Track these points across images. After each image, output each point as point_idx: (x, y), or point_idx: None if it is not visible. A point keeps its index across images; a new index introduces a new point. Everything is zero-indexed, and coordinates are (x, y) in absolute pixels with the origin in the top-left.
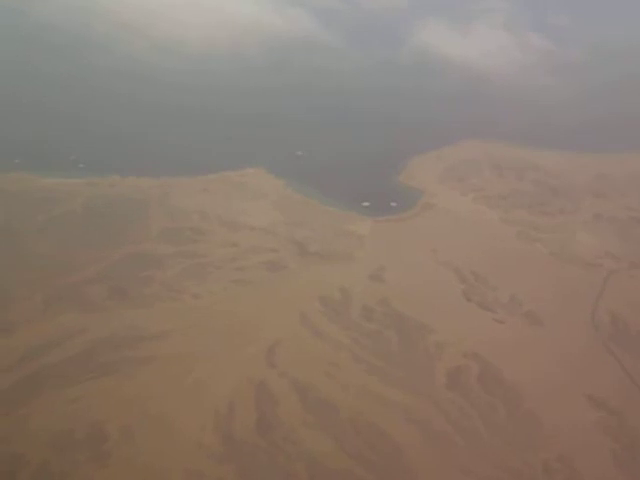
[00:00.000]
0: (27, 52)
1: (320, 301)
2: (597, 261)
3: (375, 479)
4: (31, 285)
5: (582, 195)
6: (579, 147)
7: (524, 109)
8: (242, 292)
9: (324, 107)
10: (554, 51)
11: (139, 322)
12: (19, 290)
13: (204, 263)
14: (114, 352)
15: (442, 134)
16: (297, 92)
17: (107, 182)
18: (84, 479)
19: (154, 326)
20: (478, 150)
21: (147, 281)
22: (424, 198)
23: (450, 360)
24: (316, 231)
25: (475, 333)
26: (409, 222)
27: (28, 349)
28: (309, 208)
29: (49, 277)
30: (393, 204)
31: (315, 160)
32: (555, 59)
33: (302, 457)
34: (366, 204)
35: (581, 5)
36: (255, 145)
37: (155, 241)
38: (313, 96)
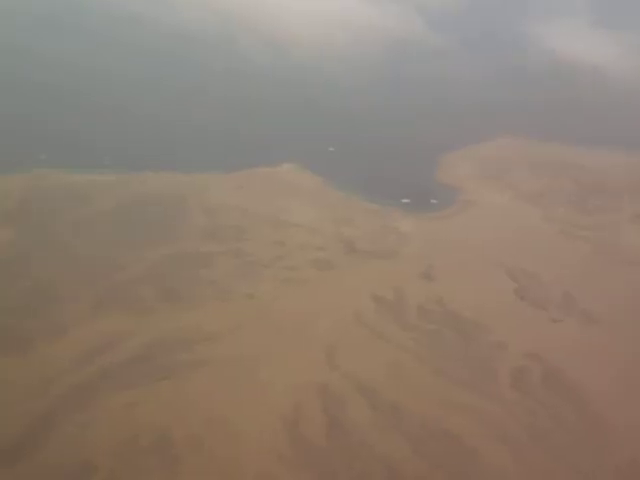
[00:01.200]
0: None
1: (374, 300)
2: None
3: None
4: (76, 285)
5: (625, 193)
6: (629, 146)
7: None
8: (294, 291)
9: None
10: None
11: (192, 323)
12: (64, 291)
13: (252, 262)
14: (169, 355)
15: (478, 130)
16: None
17: (139, 179)
18: None
19: (208, 327)
20: (513, 147)
21: (196, 281)
22: (463, 195)
23: (511, 360)
24: (361, 228)
25: (533, 332)
26: (452, 220)
27: (82, 352)
28: (350, 205)
29: (94, 277)
30: (433, 201)
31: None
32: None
33: (379, 462)
34: (406, 201)
35: None
36: (291, 140)
37: (198, 239)
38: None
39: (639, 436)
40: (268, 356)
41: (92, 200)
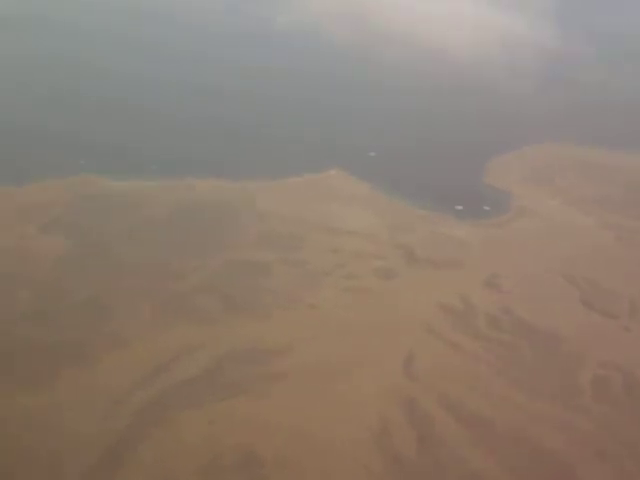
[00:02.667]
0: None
1: (442, 310)
2: None
3: None
4: (134, 295)
5: None
6: None
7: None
8: (359, 301)
9: None
10: None
11: (259, 335)
12: (122, 301)
13: (311, 270)
14: (241, 368)
15: (522, 133)
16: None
17: (185, 185)
18: None
19: (276, 339)
20: (560, 151)
21: (258, 290)
22: (515, 201)
23: (589, 370)
24: (416, 236)
25: (605, 341)
26: (508, 227)
27: (148, 367)
28: (401, 211)
29: (151, 287)
30: (486, 208)
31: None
32: None
33: (473, 478)
34: (459, 207)
35: None
36: (331, 145)
37: (254, 247)
38: None
39: None
40: (343, 368)
41: (140, 207)
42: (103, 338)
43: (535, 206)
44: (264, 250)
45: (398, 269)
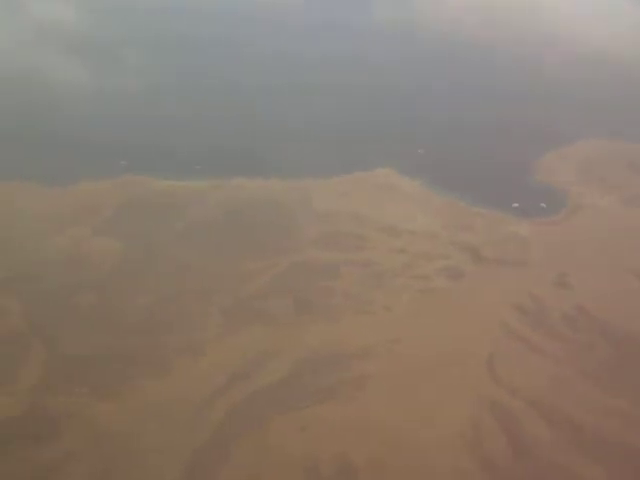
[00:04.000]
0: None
1: (516, 310)
2: None
3: None
4: (201, 299)
5: None
6: None
7: None
8: (432, 302)
9: None
10: None
11: (336, 338)
12: (189, 305)
13: (379, 271)
14: (324, 373)
15: (571, 130)
16: None
17: (233, 185)
18: None
19: (354, 342)
20: (608, 147)
21: (328, 292)
22: (570, 198)
23: None
24: (478, 235)
25: None
26: (567, 224)
27: (226, 374)
28: (458, 210)
29: (218, 290)
30: (542, 205)
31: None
32: None
33: None
34: (516, 205)
35: None
36: (379, 142)
37: (316, 248)
38: None
39: None
40: (426, 371)
41: (191, 207)
42: (175, 344)
43: (591, 203)
44: (328, 250)
45: (465, 269)
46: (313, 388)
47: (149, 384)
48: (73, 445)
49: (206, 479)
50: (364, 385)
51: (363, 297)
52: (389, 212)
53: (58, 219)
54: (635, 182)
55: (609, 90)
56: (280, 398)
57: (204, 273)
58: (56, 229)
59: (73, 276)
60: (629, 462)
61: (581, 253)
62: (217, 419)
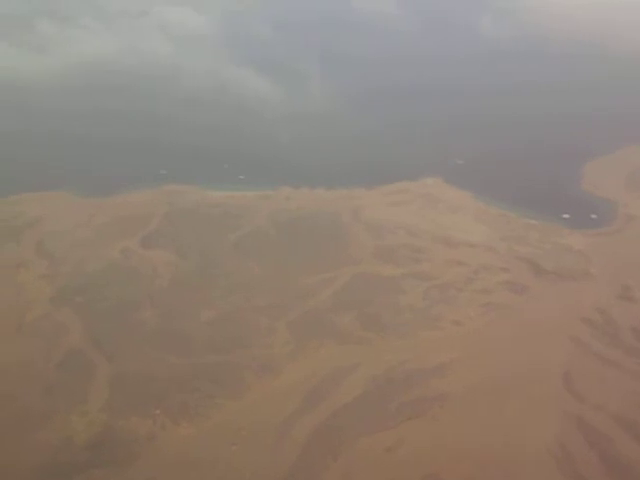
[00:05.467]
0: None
1: (585, 324)
2: None
3: None
4: (266, 313)
5: None
6: None
7: None
8: (500, 316)
9: None
10: None
11: (410, 355)
12: (254, 320)
13: (442, 285)
14: (403, 390)
15: (612, 138)
16: None
17: (280, 195)
18: None
19: (429, 359)
20: None
21: (395, 307)
22: (620, 209)
23: None
24: (535, 247)
25: None
26: (621, 235)
27: (303, 392)
28: (509, 221)
29: (281, 304)
30: (593, 216)
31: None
32: None
33: None
34: (566, 216)
35: None
36: (417, 152)
37: (374, 261)
38: None
39: None
40: (505, 388)
41: (240, 218)
42: (247, 362)
43: None
44: (386, 263)
45: (526, 282)
46: (393, 407)
47: (227, 404)
48: (153, 472)
49: None
50: (445, 403)
51: (430, 312)
52: (441, 223)
53: (104, 231)
54: None
55: None
56: (360, 418)
57: (265, 286)
58: (104, 241)
59: (129, 290)
60: None
61: None
62: (300, 442)
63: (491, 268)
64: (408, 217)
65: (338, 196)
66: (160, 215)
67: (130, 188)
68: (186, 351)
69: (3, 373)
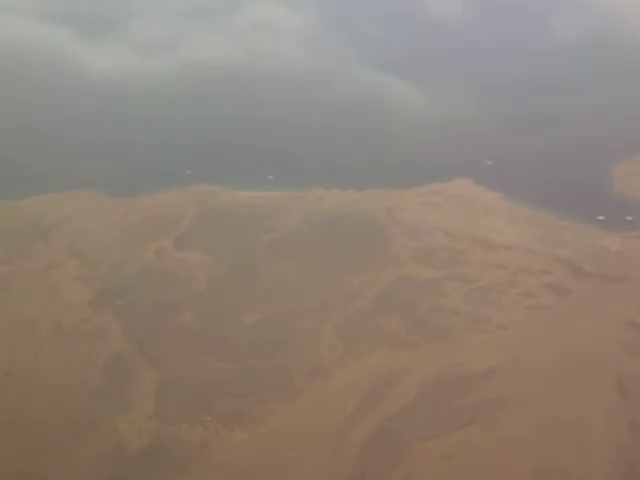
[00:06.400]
0: None
1: (632, 328)
2: None
3: None
4: (310, 316)
5: None
6: None
7: None
8: (545, 320)
9: None
10: None
11: (458, 359)
12: (299, 323)
13: (483, 288)
14: (456, 396)
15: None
16: None
17: (312, 196)
18: None
19: (477, 362)
20: None
21: (440, 310)
22: None
23: None
24: (572, 248)
25: None
26: None
27: (358, 396)
28: (544, 223)
29: (324, 306)
30: (629, 218)
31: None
32: None
33: None
34: (602, 218)
35: None
36: (447, 153)
37: (413, 263)
38: None
39: None
40: (559, 393)
41: (274, 218)
42: (296, 366)
43: None
44: (426, 265)
45: (568, 284)
46: (448, 412)
47: (280, 409)
48: None
49: None
50: (501, 408)
51: (475, 315)
52: (478, 225)
53: (135, 231)
54: None
55: None
56: (416, 423)
57: (305, 288)
58: (136, 242)
59: (167, 293)
60: None
61: None
62: (357, 448)
63: (533, 271)
64: (443, 219)
65: (370, 197)
66: (190, 216)
67: (155, 188)
68: (231, 355)
69: (44, 378)
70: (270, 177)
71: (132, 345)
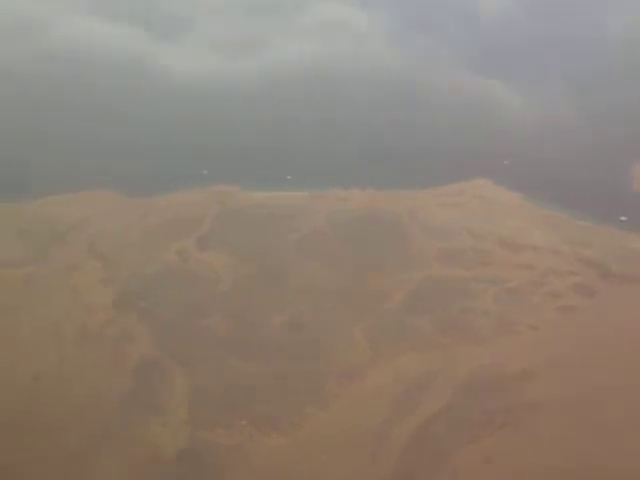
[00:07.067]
0: None
1: None
2: None
3: None
4: (339, 317)
5: None
6: None
7: None
8: (575, 321)
9: None
10: None
11: (489, 361)
12: (329, 324)
13: (512, 289)
14: (490, 398)
15: None
16: None
17: (332, 196)
18: None
19: (510, 365)
20: None
21: (468, 311)
22: None
23: None
24: (598, 250)
25: None
26: None
27: (392, 399)
28: (566, 223)
29: (352, 307)
30: None
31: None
32: None
33: None
34: (624, 219)
35: None
36: (464, 153)
37: (440, 264)
38: None
39: None
40: (595, 395)
41: (297, 218)
42: (329, 368)
43: None
44: (453, 266)
45: (596, 285)
46: (484, 415)
47: (315, 413)
48: None
49: None
50: (537, 412)
51: (503, 317)
52: (500, 225)
53: (156, 232)
54: None
55: None
56: (454, 426)
57: (333, 289)
58: (157, 242)
59: (192, 295)
60: None
61: None
62: (396, 452)
63: (560, 272)
64: (466, 219)
65: (391, 197)
66: (210, 217)
67: (176, 189)
68: (262, 358)
69: (72, 382)
70: (289, 177)
71: (160, 348)
